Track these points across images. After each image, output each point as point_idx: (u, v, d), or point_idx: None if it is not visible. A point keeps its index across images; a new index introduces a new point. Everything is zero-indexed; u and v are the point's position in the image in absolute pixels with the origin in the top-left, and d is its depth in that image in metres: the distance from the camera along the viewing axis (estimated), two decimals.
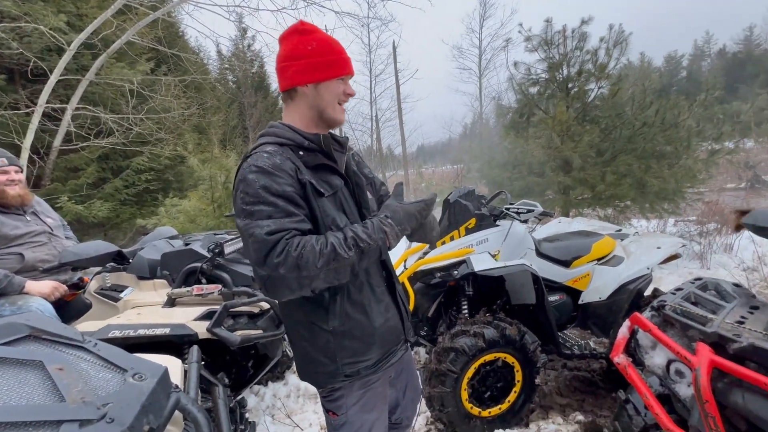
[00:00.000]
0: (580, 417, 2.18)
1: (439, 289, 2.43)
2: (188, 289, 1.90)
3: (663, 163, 4.45)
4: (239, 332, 1.81)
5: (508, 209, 2.40)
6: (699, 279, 1.51)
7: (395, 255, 2.76)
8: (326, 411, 1.21)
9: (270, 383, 2.76)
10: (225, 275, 1.99)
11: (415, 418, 1.51)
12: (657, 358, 1.28)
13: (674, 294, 1.41)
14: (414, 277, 2.39)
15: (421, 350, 3.05)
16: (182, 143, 7.56)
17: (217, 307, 1.77)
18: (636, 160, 4.42)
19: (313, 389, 2.57)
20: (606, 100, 4.92)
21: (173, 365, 1.19)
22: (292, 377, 2.77)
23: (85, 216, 6.50)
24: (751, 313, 1.19)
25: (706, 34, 46.53)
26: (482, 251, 2.30)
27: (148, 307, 1.97)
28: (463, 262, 2.18)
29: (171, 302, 1.92)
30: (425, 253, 2.47)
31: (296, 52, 1.06)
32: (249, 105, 15.62)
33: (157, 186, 8.53)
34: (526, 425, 2.13)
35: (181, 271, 2.00)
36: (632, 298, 2.30)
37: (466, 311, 2.29)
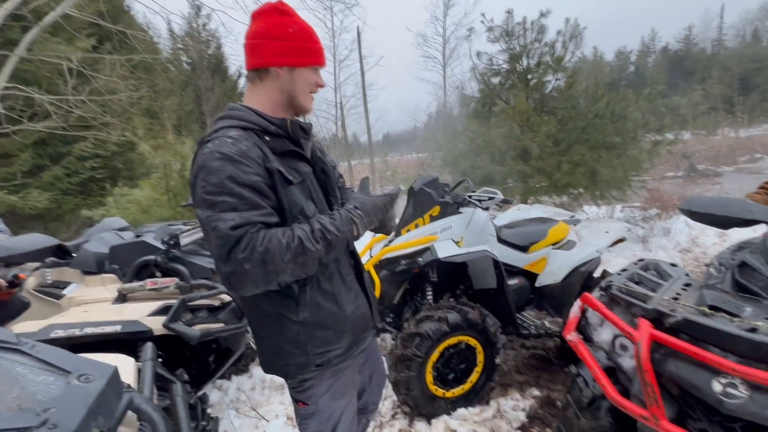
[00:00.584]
0: (536, 392, 2.32)
1: (404, 277, 2.46)
2: (141, 283, 1.80)
3: (612, 153, 4.75)
4: (199, 326, 1.74)
5: (470, 197, 2.46)
6: (641, 260, 1.63)
7: (361, 243, 2.76)
8: (295, 401, 1.20)
9: (234, 377, 2.70)
10: (182, 268, 1.90)
11: (381, 402, 1.54)
12: (604, 334, 1.38)
13: (620, 275, 1.51)
14: (379, 265, 2.40)
15: (387, 337, 3.10)
16: (131, 128, 7.04)
17: (174, 302, 1.69)
18: (588, 150, 4.68)
19: (279, 380, 2.55)
20: (562, 92, 5.13)
21: (125, 364, 1.13)
22: (257, 369, 2.72)
23: (20, 207, 5.94)
24: (685, 290, 1.31)
25: (652, 32, 49.64)
26: (446, 238, 2.34)
27: (96, 304, 1.84)
28: (428, 249, 2.21)
29: (122, 298, 1.81)
30: (390, 241, 2.49)
31: (276, 31, 1.01)
32: (206, 88, 14.78)
33: (104, 174, 7.94)
34: (487, 403, 2.24)
35: (133, 265, 1.88)
36: (583, 279, 2.46)
37: (430, 297, 2.35)
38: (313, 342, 1.08)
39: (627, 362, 1.28)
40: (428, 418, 2.13)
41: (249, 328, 1.17)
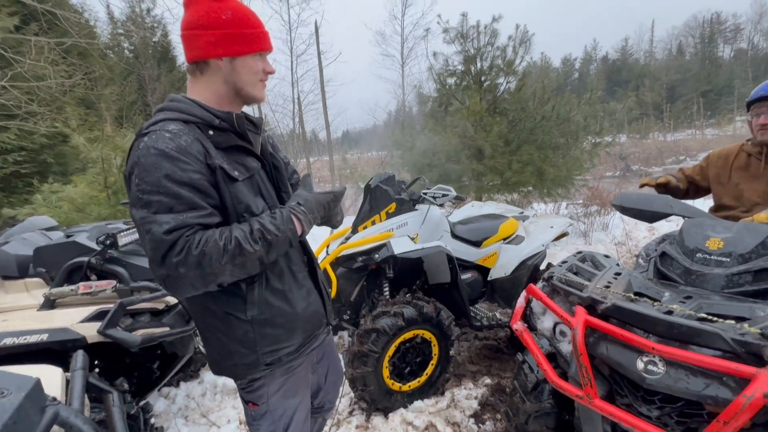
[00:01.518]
0: (488, 380, 2.43)
1: (361, 273, 2.46)
2: (72, 287, 1.65)
3: (557, 153, 5.06)
4: (140, 332, 1.63)
5: (425, 194, 2.51)
6: (579, 252, 1.76)
7: (317, 241, 2.73)
8: (245, 402, 1.17)
9: (182, 383, 2.56)
10: (120, 269, 1.76)
11: (338, 400, 1.53)
12: (546, 322, 1.48)
13: (560, 266, 1.62)
14: (336, 263, 2.39)
15: (345, 334, 3.09)
16: (62, 118, 6.41)
17: (111, 306, 1.56)
18: (536, 150, 4.95)
19: (231, 384, 2.45)
20: (513, 94, 5.38)
21: (51, 375, 1.04)
22: (208, 374, 2.60)
23: None
24: (615, 278, 1.43)
25: (594, 41, 53.53)
26: (402, 234, 2.38)
27: (18, 311, 1.66)
28: (384, 245, 2.23)
29: (50, 304, 1.65)
30: (347, 239, 2.48)
31: (208, 20, 0.95)
32: (151, 78, 13.81)
33: (30, 169, 7.17)
34: (442, 393, 2.31)
35: (62, 268, 1.72)
36: (530, 272, 2.61)
37: (387, 293, 2.37)
38: (263, 340, 1.05)
39: (565, 347, 1.37)
40: (385, 412, 2.16)
41: (197, 330, 1.11)
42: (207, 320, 1.06)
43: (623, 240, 5.15)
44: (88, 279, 1.79)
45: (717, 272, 1.27)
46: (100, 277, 1.82)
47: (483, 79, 5.54)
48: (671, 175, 2.17)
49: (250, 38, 0.98)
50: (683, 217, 1.63)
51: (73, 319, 1.54)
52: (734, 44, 43.08)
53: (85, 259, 1.73)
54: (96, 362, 1.88)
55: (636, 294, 1.30)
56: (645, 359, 1.08)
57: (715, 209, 2.07)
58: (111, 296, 1.71)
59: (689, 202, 1.84)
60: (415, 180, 2.85)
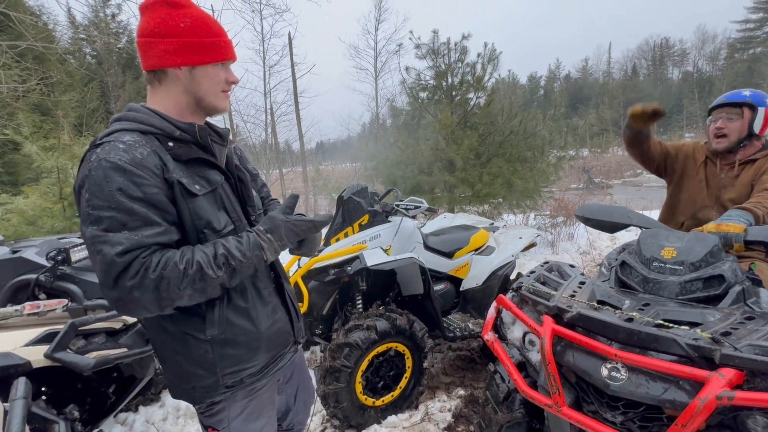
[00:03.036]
0: (462, 392, 2.43)
1: (333, 286, 2.43)
2: (17, 307, 1.52)
3: (525, 166, 5.26)
4: (93, 354, 1.52)
5: (398, 206, 2.53)
6: (547, 263, 1.81)
7: (289, 255, 2.67)
8: (205, 428, 1.08)
9: (141, 407, 2.40)
10: (73, 287, 1.65)
11: (309, 419, 1.48)
12: (516, 332, 1.50)
13: (529, 276, 1.66)
14: (308, 276, 2.34)
15: (317, 349, 3.01)
16: (14, 125, 6.02)
17: (61, 327, 1.45)
18: (505, 163, 5.12)
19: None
20: (482, 109, 5.57)
21: None
22: (170, 397, 2.45)
23: None
24: (580, 287, 1.48)
25: (557, 60, 56.56)
26: (375, 246, 2.37)
27: None
28: (357, 257, 2.21)
29: None
30: (319, 251, 2.45)
31: (164, 27, 0.91)
32: (114, 85, 13.27)
33: None
34: (416, 407, 2.28)
35: (6, 286, 1.58)
36: (501, 282, 2.66)
37: (360, 306, 2.34)
38: (223, 361, 0.99)
39: (534, 356, 1.40)
40: (358, 429, 2.11)
41: (154, 351, 1.04)
42: (164, 340, 1.00)
43: (588, 249, 5.37)
44: (36, 298, 1.66)
45: (671, 280, 1.34)
46: (50, 296, 1.69)
47: (454, 93, 5.71)
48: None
49: (210, 47, 0.94)
50: (640, 227, 1.72)
51: (17, 343, 1.41)
52: (681, 67, 46.84)
53: (33, 276, 1.60)
54: (43, 389, 1.74)
55: (599, 302, 1.34)
56: (609, 366, 1.11)
57: (668, 208, 2.12)
58: (62, 316, 1.59)
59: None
60: (388, 192, 2.86)
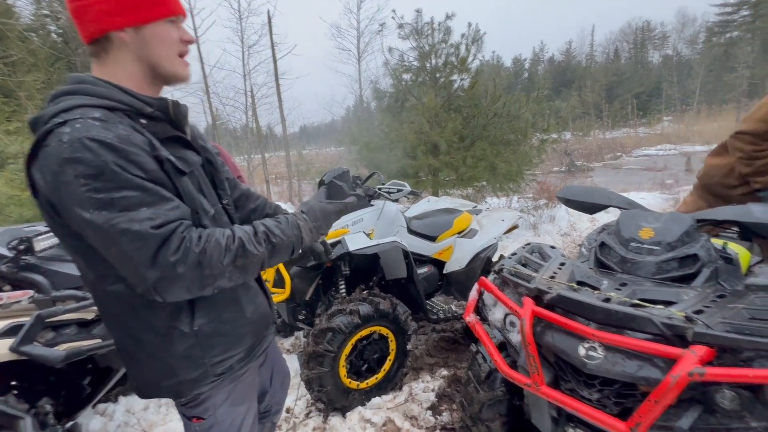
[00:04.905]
0: (445, 372, 2.47)
1: (316, 272, 2.40)
2: None
3: (508, 149, 5.27)
4: (64, 346, 1.46)
5: (380, 189, 2.49)
6: (528, 244, 1.82)
7: None
8: (188, 419, 1.05)
9: (121, 398, 2.35)
10: (39, 278, 1.57)
11: (294, 402, 1.47)
12: (497, 314, 1.51)
13: (510, 258, 1.67)
14: (290, 261, 2.30)
15: (300, 334, 3.01)
16: None
17: (27, 319, 1.38)
18: (489, 145, 5.12)
19: None
20: (466, 91, 5.51)
21: None
22: None
23: None
24: (560, 268, 1.49)
25: (541, 43, 56.45)
26: (358, 231, 2.34)
27: None
28: (338, 242, 2.18)
29: None
30: None
31: None
32: (83, 65, 12.56)
33: None
34: (400, 388, 2.31)
35: None
36: (483, 264, 2.68)
37: (344, 290, 2.33)
38: (212, 351, 0.95)
39: (515, 337, 1.41)
40: (343, 411, 2.13)
41: (122, 349, 0.97)
42: (141, 338, 0.92)
43: (568, 231, 5.48)
44: (0, 289, 1.57)
45: (648, 260, 1.36)
46: (15, 288, 1.61)
47: (438, 75, 5.63)
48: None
49: (153, 1, 0.83)
50: (620, 208, 1.74)
51: None
52: (662, 50, 47.45)
53: None
54: (13, 383, 1.67)
55: (578, 283, 1.36)
56: (586, 345, 1.13)
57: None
58: (28, 308, 1.52)
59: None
60: (371, 175, 2.82)
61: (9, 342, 1.34)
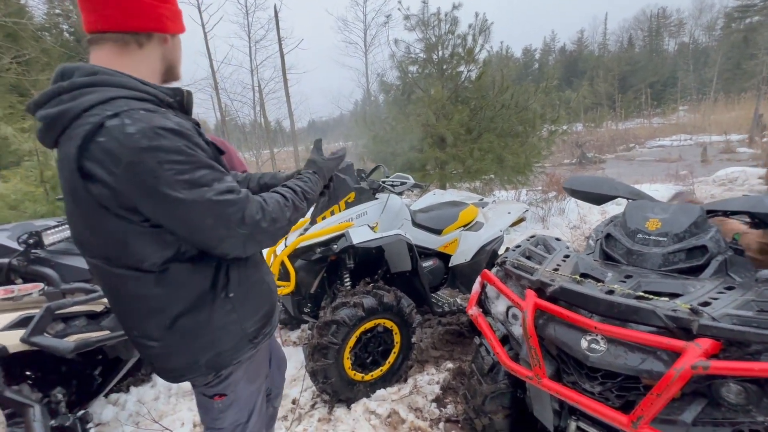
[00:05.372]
0: (450, 365, 2.47)
1: (320, 265, 2.41)
2: None
3: (516, 141, 5.19)
4: (74, 337, 1.50)
5: (384, 182, 2.48)
6: (533, 236, 1.80)
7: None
8: (209, 398, 1.09)
9: (133, 388, 2.41)
10: (48, 271, 1.60)
11: (299, 393, 1.50)
12: (500, 306, 1.50)
13: (514, 250, 1.65)
14: (294, 255, 2.31)
15: (306, 327, 3.03)
16: None
17: (37, 311, 1.42)
18: (496, 138, 5.04)
19: (187, 386, 2.34)
20: (474, 82, 5.43)
21: None
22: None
23: None
24: (564, 261, 1.47)
25: (552, 33, 55.26)
26: (362, 224, 2.34)
27: None
28: (342, 235, 2.19)
29: None
30: (306, 230, 2.41)
31: None
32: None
33: None
34: (405, 381, 2.32)
35: None
36: (489, 257, 2.66)
37: (348, 284, 2.33)
38: (245, 316, 1.03)
39: (517, 330, 1.40)
40: (348, 403, 2.14)
41: (152, 336, 0.96)
42: (178, 320, 0.93)
43: (578, 224, 5.40)
44: (11, 282, 1.62)
45: (655, 251, 1.33)
46: (26, 281, 1.65)
47: (444, 67, 5.55)
48: None
49: (182, 17, 0.99)
50: (627, 199, 1.70)
51: None
52: (678, 38, 46.06)
53: (5, 261, 1.55)
54: (27, 373, 1.73)
55: (582, 275, 1.34)
56: (588, 338, 1.11)
57: None
58: (39, 300, 1.56)
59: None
60: (375, 168, 2.81)
61: (20, 333, 1.38)
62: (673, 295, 1.09)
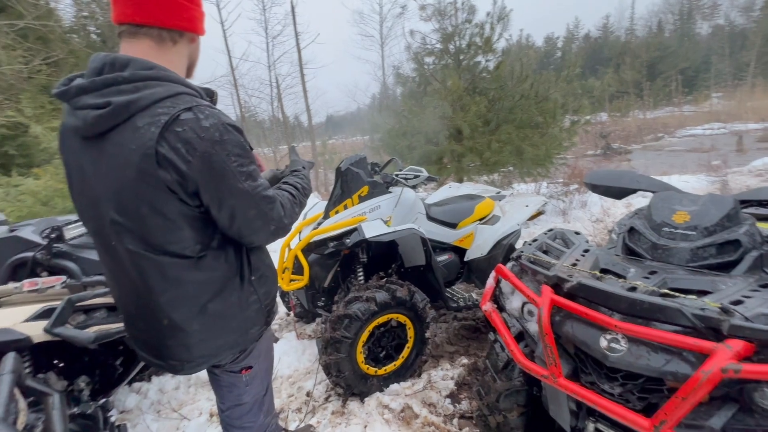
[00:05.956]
0: (465, 360, 2.43)
1: (334, 259, 2.40)
2: (17, 285, 1.54)
3: (536, 132, 5.02)
4: (94, 328, 1.55)
5: (397, 176, 2.45)
6: (551, 230, 1.73)
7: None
8: (236, 373, 1.16)
9: (154, 378, 2.49)
10: (70, 264, 1.66)
11: (313, 386, 1.51)
12: (515, 302, 1.45)
13: (530, 245, 1.59)
14: (308, 249, 2.32)
15: (320, 320, 3.05)
16: (16, 107, 6.06)
17: (58, 303, 1.47)
18: (515, 129, 4.90)
19: (205, 376, 2.39)
20: (492, 73, 5.29)
21: None
22: None
23: None
24: (583, 255, 1.40)
25: (576, 19, 53.31)
26: (375, 218, 2.32)
27: None
28: (355, 230, 2.17)
29: None
30: (319, 224, 2.41)
31: None
32: None
33: None
34: (419, 375, 2.30)
35: (5, 264, 1.61)
36: (506, 251, 2.59)
37: (362, 278, 2.32)
38: (264, 295, 1.12)
39: (533, 326, 1.35)
40: (361, 397, 2.14)
41: (187, 327, 0.99)
42: (209, 305, 0.99)
43: (601, 217, 5.21)
44: (36, 275, 1.68)
45: (682, 246, 1.25)
46: (50, 274, 1.71)
47: (461, 57, 5.42)
48: None
49: (205, 19, 1.05)
50: (651, 192, 1.61)
51: (17, 319, 1.44)
52: (711, 20, 43.53)
53: (30, 254, 1.61)
54: (54, 362, 1.80)
55: (602, 271, 1.27)
56: (608, 337, 1.06)
57: None
58: (61, 292, 1.61)
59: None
60: (389, 162, 2.77)
61: (43, 324, 1.43)
62: (702, 293, 1.02)
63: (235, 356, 1.12)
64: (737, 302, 0.91)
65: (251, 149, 0.98)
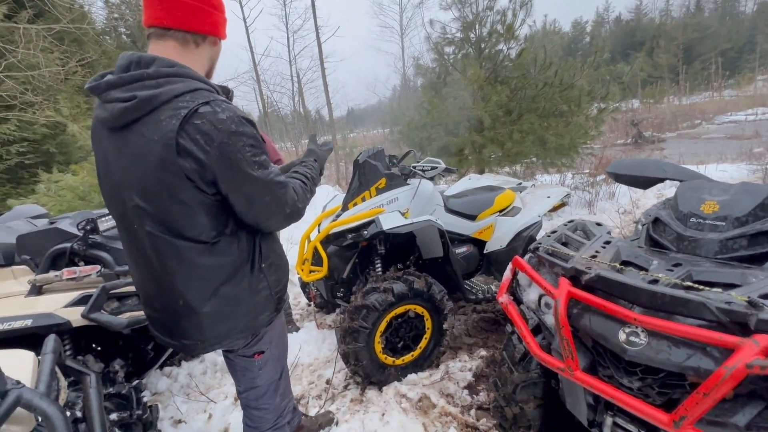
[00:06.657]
0: (484, 352, 2.42)
1: (352, 251, 2.44)
2: (57, 273, 1.65)
3: (560, 122, 4.86)
4: (126, 315, 1.64)
5: (414, 167, 2.44)
6: (571, 221, 1.69)
7: (309, 219, 2.69)
8: (250, 357, 1.23)
9: (184, 363, 2.62)
10: (104, 254, 1.76)
11: (333, 374, 1.55)
12: (532, 295, 1.43)
13: (549, 236, 1.56)
14: (326, 240, 2.36)
15: (339, 311, 3.10)
16: (54, 107, 6.40)
17: (94, 291, 1.57)
18: (538, 118, 4.76)
19: None
20: (514, 61, 5.14)
21: (21, 360, 1.04)
22: (208, 354, 2.65)
23: None
24: (604, 247, 1.36)
25: (606, 2, 50.78)
26: (393, 210, 2.33)
27: (6, 298, 1.68)
28: (372, 222, 2.19)
29: (37, 290, 1.66)
30: (338, 216, 2.44)
31: (218, 2, 1.05)
32: None
33: (35, 159, 7.22)
34: (436, 366, 2.31)
35: (46, 254, 1.72)
36: (526, 243, 2.55)
37: (379, 269, 2.35)
38: (274, 282, 1.16)
39: (550, 319, 1.33)
40: (380, 385, 2.18)
41: (201, 307, 1.06)
42: (222, 290, 1.06)
43: (630, 209, 5.01)
44: (74, 264, 1.79)
45: (710, 237, 1.20)
46: (87, 263, 1.82)
47: (483, 46, 5.30)
48: None
49: (227, 25, 1.12)
50: (678, 180, 1.54)
51: (58, 304, 1.55)
52: None
53: (68, 245, 1.72)
54: (93, 345, 1.93)
55: (624, 263, 1.24)
56: (627, 330, 1.03)
57: None
58: (97, 281, 1.72)
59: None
60: (407, 154, 2.76)
61: (81, 309, 1.53)
62: (729, 286, 0.98)
63: (247, 341, 1.18)
64: (767, 296, 0.87)
65: (263, 141, 1.03)
